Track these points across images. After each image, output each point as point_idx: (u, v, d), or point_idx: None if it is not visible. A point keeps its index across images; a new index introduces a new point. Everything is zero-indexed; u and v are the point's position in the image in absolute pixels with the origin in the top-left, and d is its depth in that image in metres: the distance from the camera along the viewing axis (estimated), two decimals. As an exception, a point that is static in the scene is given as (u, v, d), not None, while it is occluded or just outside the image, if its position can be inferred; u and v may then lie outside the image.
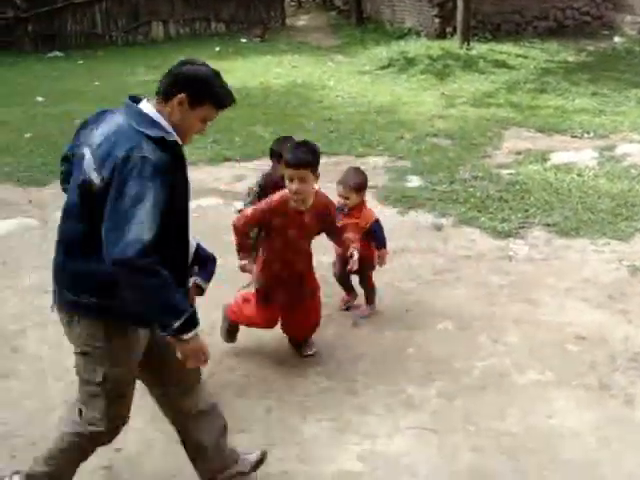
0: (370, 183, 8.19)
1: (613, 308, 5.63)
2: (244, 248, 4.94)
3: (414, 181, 8.40)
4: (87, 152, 3.14)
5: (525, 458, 4.08)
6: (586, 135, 10.11)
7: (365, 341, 5.28)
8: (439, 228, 7.07)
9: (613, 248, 6.59)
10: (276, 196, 4.67)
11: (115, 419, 3.40)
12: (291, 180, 4.46)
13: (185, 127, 3.23)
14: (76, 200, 3.16)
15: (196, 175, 8.79)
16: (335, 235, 4.95)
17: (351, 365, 5.01)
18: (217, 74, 3.26)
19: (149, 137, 3.06)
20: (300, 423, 4.43)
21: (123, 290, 2.98)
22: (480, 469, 4.01)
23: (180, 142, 3.20)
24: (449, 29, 17.29)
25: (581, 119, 10.75)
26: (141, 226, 2.89)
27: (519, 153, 9.27)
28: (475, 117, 11.04)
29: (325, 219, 4.76)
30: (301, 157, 4.44)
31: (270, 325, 5.01)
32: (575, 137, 10.06)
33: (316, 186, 4.64)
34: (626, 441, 4.19)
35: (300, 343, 5.11)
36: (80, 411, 3.40)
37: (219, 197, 8.09)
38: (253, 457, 3.83)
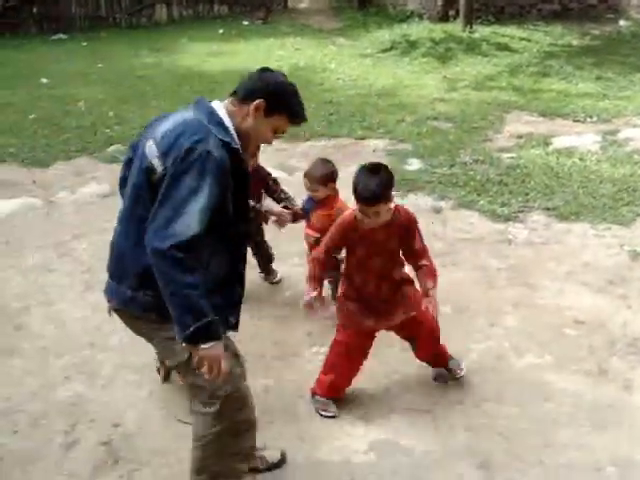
0: (370, 166, 8.26)
1: (613, 293, 5.65)
2: (317, 279, 4.39)
3: (414, 164, 8.40)
4: (151, 142, 3.09)
5: (520, 440, 4.10)
6: (589, 119, 10.07)
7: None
8: (438, 211, 7.08)
9: (614, 233, 6.60)
10: (346, 214, 4.25)
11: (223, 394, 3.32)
12: (364, 213, 4.00)
13: (256, 134, 3.23)
14: (144, 184, 3.10)
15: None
16: (412, 257, 4.30)
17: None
18: (295, 88, 3.31)
19: (216, 136, 3.03)
20: (297, 401, 4.48)
21: (157, 279, 2.94)
22: (475, 450, 4.04)
23: (241, 150, 3.14)
24: (452, 12, 17.19)
25: (584, 103, 10.71)
26: (190, 219, 2.87)
27: (520, 137, 9.25)
28: (477, 100, 11.01)
29: (402, 238, 4.21)
30: (374, 192, 3.92)
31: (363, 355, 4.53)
32: (578, 121, 10.03)
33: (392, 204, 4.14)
34: (622, 426, 4.22)
35: (444, 364, 4.64)
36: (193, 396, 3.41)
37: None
38: (272, 457, 3.89)
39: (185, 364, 3.19)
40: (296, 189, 7.57)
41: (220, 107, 3.17)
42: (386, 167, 4.06)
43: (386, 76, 12.69)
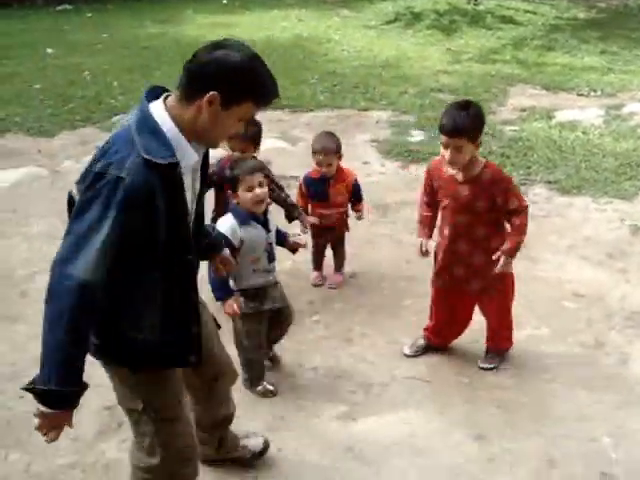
0: (373, 137, 8.30)
1: (612, 267, 5.69)
2: (422, 221, 4.43)
3: (417, 135, 8.42)
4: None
5: (518, 411, 4.16)
6: (593, 93, 10.07)
7: (363, 292, 5.37)
8: (440, 183, 7.10)
9: (615, 207, 6.64)
10: (435, 158, 4.28)
11: (170, 448, 2.99)
12: (445, 147, 3.91)
13: (217, 132, 2.60)
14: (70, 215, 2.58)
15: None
16: (508, 217, 4.10)
17: (348, 315, 5.10)
18: (257, 59, 2.57)
19: (139, 152, 2.44)
20: (297, 370, 4.54)
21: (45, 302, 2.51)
22: (473, 420, 4.10)
23: (178, 162, 2.51)
24: (457, -16, 17.11)
25: (589, 77, 10.69)
26: (88, 259, 2.38)
27: (524, 110, 9.26)
28: (480, 73, 11.00)
29: (494, 197, 4.00)
30: (458, 123, 3.83)
31: (457, 327, 4.62)
32: (582, 95, 10.03)
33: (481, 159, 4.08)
34: (618, 398, 4.27)
35: (491, 348, 4.58)
36: (137, 442, 3.07)
37: (222, 148, 8.08)
38: (256, 446, 3.76)
39: (138, 413, 2.93)
40: (299, 159, 7.64)
41: (160, 108, 2.55)
42: (478, 105, 4.02)
43: (390, 48, 12.66)
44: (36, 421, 2.61)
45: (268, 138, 8.31)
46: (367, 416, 4.14)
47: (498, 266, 4.04)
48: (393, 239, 6.08)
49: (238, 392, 3.88)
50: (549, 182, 7.10)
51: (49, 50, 12.78)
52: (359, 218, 5.40)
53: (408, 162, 7.60)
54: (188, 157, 2.58)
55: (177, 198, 2.56)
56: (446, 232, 4.22)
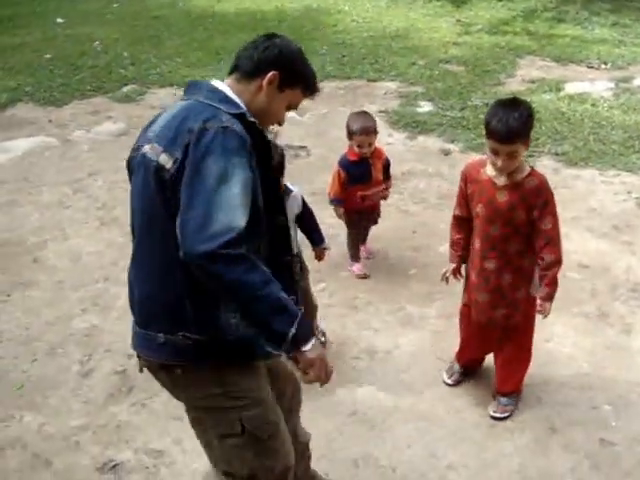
0: (381, 108, 8.32)
1: (618, 239, 5.72)
2: (453, 244, 4.01)
3: (425, 106, 8.43)
4: (147, 146, 2.47)
5: (521, 377, 4.23)
6: (603, 66, 10.00)
7: (369, 261, 5.43)
8: (447, 153, 7.14)
9: (622, 180, 6.65)
10: (475, 159, 3.88)
11: (271, 469, 2.75)
12: (496, 154, 3.43)
13: (270, 112, 2.65)
14: (154, 193, 2.43)
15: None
16: (537, 238, 3.60)
17: (354, 283, 5.18)
18: (305, 56, 2.73)
19: (226, 112, 2.44)
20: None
21: (222, 299, 2.42)
22: (474, 386, 4.19)
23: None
24: (469, -46, 16.94)
25: (599, 49, 10.61)
26: (231, 211, 2.22)
27: (533, 82, 9.23)
28: (490, 44, 10.94)
29: (532, 209, 3.54)
30: (512, 127, 3.35)
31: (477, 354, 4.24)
32: (591, 68, 9.95)
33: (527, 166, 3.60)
34: (619, 367, 4.33)
35: (500, 391, 4.06)
36: (226, 474, 2.82)
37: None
38: None
39: (237, 437, 2.65)
40: (307, 130, 7.68)
41: (222, 84, 2.62)
42: (526, 102, 3.53)
43: (399, 19, 12.60)
44: (309, 374, 2.44)
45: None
46: (371, 382, 4.23)
47: (546, 313, 3.69)
48: (400, 209, 6.13)
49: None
50: (556, 154, 7.12)
51: (59, 20, 12.78)
52: (385, 197, 5.32)
53: (416, 133, 7.63)
54: None
55: (267, 155, 2.56)
56: (477, 245, 3.76)
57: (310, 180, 5.79)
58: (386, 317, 4.79)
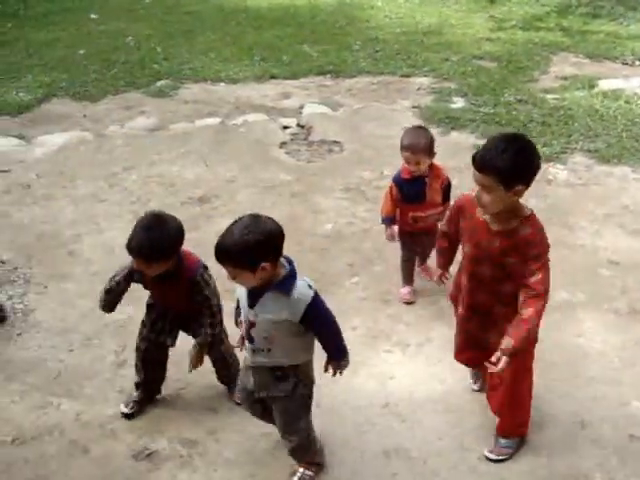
0: (414, 103, 8.33)
1: (649, 236, 5.69)
2: (438, 250, 4.03)
3: (458, 102, 8.42)
4: None
5: (550, 372, 4.23)
6: (637, 62, 9.91)
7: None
8: (480, 150, 7.11)
9: (655, 177, 6.60)
10: (468, 193, 3.55)
11: None
12: (475, 181, 3.26)
13: None
14: None
15: (243, 91, 8.95)
16: (521, 289, 3.35)
17: (387, 277, 5.20)
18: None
19: None
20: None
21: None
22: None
23: None
24: (503, -51, 16.84)
25: (634, 46, 10.50)
26: None
27: (566, 78, 9.18)
28: (523, 41, 10.89)
29: (523, 257, 3.31)
30: (488, 157, 3.14)
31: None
32: (626, 64, 9.88)
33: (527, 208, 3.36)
34: (650, 364, 4.33)
35: (498, 431, 3.81)
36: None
37: (265, 113, 8.22)
38: None
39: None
40: (341, 125, 7.71)
41: None
42: (528, 142, 3.26)
43: (432, 15, 12.57)
44: None
45: (310, 103, 8.40)
46: (403, 374, 4.27)
47: (497, 368, 3.26)
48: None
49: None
50: (589, 151, 7.09)
51: (93, 15, 12.90)
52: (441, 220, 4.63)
53: (449, 129, 7.63)
54: None
55: None
56: (465, 282, 3.60)
57: (344, 175, 5.82)
58: (419, 311, 4.83)
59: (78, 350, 4.53)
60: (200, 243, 5.61)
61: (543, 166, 6.56)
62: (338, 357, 3.39)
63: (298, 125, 7.86)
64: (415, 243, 4.96)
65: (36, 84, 9.33)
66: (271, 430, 3.79)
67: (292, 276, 3.14)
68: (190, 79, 9.48)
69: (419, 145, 4.55)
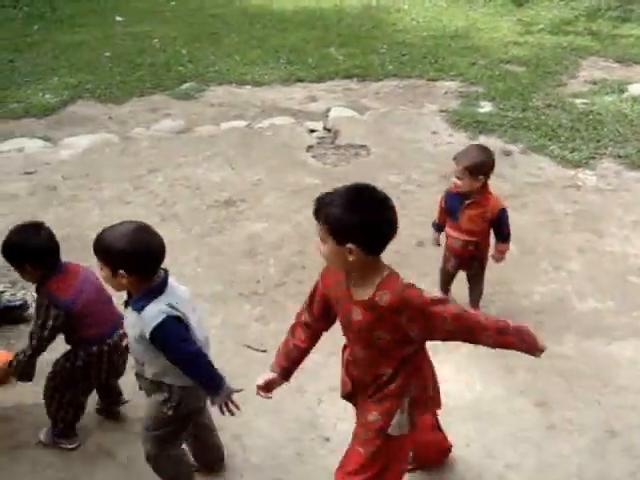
0: (442, 107, 8.28)
1: (680, 243, 5.61)
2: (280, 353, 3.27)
3: (486, 106, 8.36)
4: None
5: (579, 381, 4.20)
6: (668, 67, 9.85)
7: (429, 261, 5.36)
8: (508, 154, 7.06)
9: (685, 183, 6.52)
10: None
11: None
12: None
13: None
14: None
15: (269, 94, 8.93)
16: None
17: (415, 282, 5.11)
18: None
19: None
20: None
21: None
22: (534, 387, 4.16)
23: None
24: (530, -48, 16.75)
25: (665, 50, 10.44)
26: None
27: (595, 83, 9.09)
28: (551, 45, 10.80)
29: (398, 329, 2.78)
30: (321, 204, 2.73)
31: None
32: (656, 69, 9.81)
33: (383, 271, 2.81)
34: (680, 372, 4.26)
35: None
36: None
37: (291, 116, 8.20)
38: None
39: None
40: (367, 128, 7.68)
41: None
42: (372, 197, 2.74)
43: (459, 18, 12.51)
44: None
45: (337, 107, 8.37)
46: (431, 381, 4.21)
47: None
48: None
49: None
50: (619, 156, 7.01)
51: (118, 18, 12.97)
52: (497, 260, 4.67)
53: (477, 133, 7.58)
54: None
55: None
56: (347, 356, 3.10)
57: (370, 179, 5.69)
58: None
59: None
60: (225, 245, 5.66)
61: (572, 172, 6.64)
62: (209, 392, 3.21)
63: (324, 129, 7.84)
64: (449, 260, 4.77)
65: (62, 86, 9.38)
66: (297, 435, 3.77)
67: (145, 296, 3.08)
68: (215, 81, 9.48)
69: (461, 160, 4.37)
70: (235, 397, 3.19)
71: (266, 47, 10.74)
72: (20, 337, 4.62)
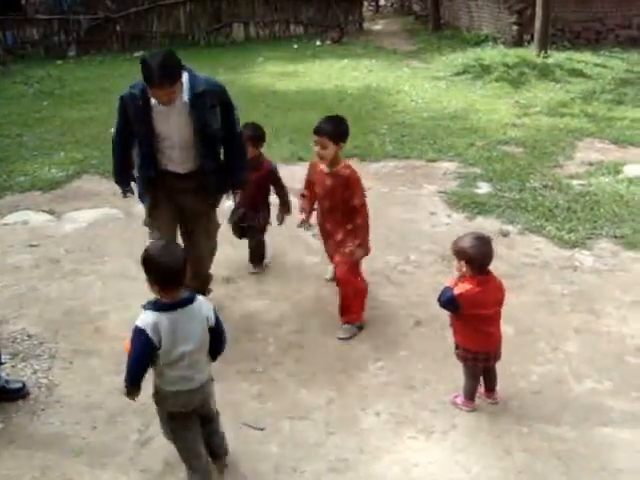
0: (440, 188, 8.41)
1: (679, 323, 5.63)
2: (304, 201, 5.81)
3: (484, 187, 8.49)
4: None
5: (576, 463, 4.17)
6: (663, 149, 9.99)
7: (427, 340, 5.42)
8: (505, 235, 7.14)
9: (683, 263, 6.56)
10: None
11: None
12: (315, 144, 5.26)
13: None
14: None
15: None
16: (350, 212, 5.36)
17: (411, 362, 5.17)
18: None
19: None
20: (359, 414, 4.62)
21: None
22: (531, 469, 4.13)
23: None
24: (527, 37, 17.22)
25: (658, 132, 10.62)
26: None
27: (591, 164, 9.23)
28: (548, 126, 11.02)
29: (344, 190, 5.28)
30: (321, 126, 5.22)
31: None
32: (651, 150, 9.96)
33: (343, 161, 5.37)
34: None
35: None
36: None
37: (293, 195, 8.27)
38: None
39: None
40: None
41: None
42: (343, 118, 5.36)
43: (458, 100, 12.79)
44: None
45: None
46: (428, 462, 4.19)
47: (354, 257, 5.39)
48: (457, 289, 6.13)
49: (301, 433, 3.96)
50: (615, 237, 7.07)
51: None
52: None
53: (475, 214, 7.68)
54: None
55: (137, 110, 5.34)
56: (319, 214, 5.66)
57: (368, 258, 5.80)
58: (443, 397, 4.76)
59: (102, 427, 4.52)
60: (224, 322, 5.69)
61: (569, 252, 6.70)
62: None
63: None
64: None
65: (68, 161, 9.57)
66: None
67: (148, 304, 3.78)
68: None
69: (453, 247, 4.46)
70: None
71: (268, 126, 10.91)
72: (19, 411, 4.65)
